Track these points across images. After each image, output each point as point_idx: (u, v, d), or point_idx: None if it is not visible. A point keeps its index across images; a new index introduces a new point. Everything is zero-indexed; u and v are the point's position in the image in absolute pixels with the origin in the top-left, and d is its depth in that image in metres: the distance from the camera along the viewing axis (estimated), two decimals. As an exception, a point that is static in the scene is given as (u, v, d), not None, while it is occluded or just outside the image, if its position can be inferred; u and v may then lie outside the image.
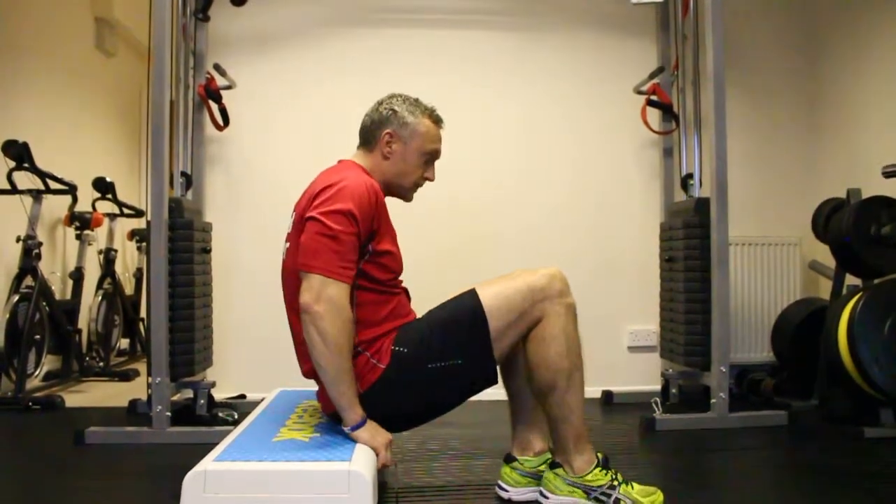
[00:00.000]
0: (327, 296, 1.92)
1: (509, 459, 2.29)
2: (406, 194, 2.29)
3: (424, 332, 2.10)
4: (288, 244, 2.14)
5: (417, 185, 2.28)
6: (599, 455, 2.14)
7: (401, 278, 2.22)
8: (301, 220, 2.05)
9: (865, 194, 3.37)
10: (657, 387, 3.95)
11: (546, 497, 2.14)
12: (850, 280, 3.52)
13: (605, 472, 2.11)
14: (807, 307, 3.87)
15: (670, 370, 3.81)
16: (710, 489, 2.31)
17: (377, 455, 1.93)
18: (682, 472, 2.60)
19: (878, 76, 3.90)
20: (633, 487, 2.10)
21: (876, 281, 3.30)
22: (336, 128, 4.00)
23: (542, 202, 4.17)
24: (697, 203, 3.57)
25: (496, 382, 2.15)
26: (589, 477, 2.10)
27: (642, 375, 4.11)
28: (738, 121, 3.98)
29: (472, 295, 2.13)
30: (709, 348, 3.41)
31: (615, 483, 2.10)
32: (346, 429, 1.97)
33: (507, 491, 2.26)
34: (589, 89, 4.23)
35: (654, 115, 4.04)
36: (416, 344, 2.08)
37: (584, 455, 2.12)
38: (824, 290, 4.02)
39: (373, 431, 1.97)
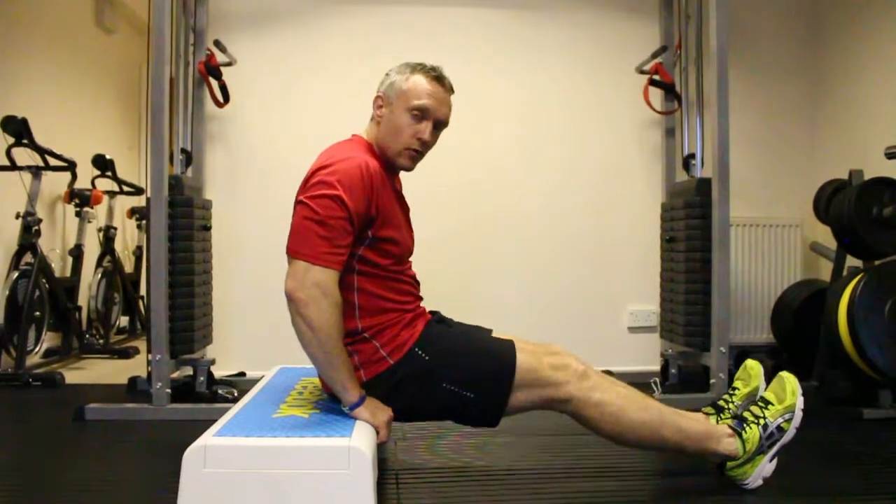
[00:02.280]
0: (312, 281, 1.86)
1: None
2: (397, 159, 2.09)
3: (453, 350, 2.06)
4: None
5: (411, 147, 2.08)
6: (729, 424, 2.14)
7: (411, 260, 2.18)
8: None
9: (867, 176, 3.36)
10: (657, 367, 3.96)
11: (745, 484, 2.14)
12: (851, 262, 3.52)
13: (749, 426, 2.11)
14: (807, 289, 3.87)
15: (670, 350, 3.82)
16: (707, 469, 2.31)
17: (377, 432, 1.92)
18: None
19: (882, 58, 3.88)
20: (769, 409, 2.12)
21: (877, 262, 3.30)
22: (337, 105, 4.00)
23: (543, 182, 4.15)
24: (699, 183, 3.56)
25: (495, 427, 2.12)
26: (748, 446, 2.09)
27: (642, 356, 4.12)
28: (741, 101, 3.97)
29: (511, 345, 2.07)
30: (709, 329, 3.41)
31: (765, 420, 2.11)
32: (345, 409, 1.96)
33: None
34: (590, 68, 4.20)
35: (656, 94, 4.01)
36: (439, 357, 2.03)
37: (721, 442, 2.11)
38: (825, 271, 4.02)
39: (373, 409, 1.96)
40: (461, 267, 4.02)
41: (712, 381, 3.32)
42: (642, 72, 4.01)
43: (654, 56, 3.97)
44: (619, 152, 4.20)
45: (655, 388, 3.55)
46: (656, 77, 3.94)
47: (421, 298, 2.19)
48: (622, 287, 4.20)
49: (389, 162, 2.13)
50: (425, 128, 2.08)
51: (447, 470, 2.40)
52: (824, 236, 3.90)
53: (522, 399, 2.05)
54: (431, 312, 2.22)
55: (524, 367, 2.03)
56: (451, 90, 2.13)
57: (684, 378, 3.76)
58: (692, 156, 3.79)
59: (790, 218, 4.20)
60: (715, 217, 3.36)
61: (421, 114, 2.07)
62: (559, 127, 4.18)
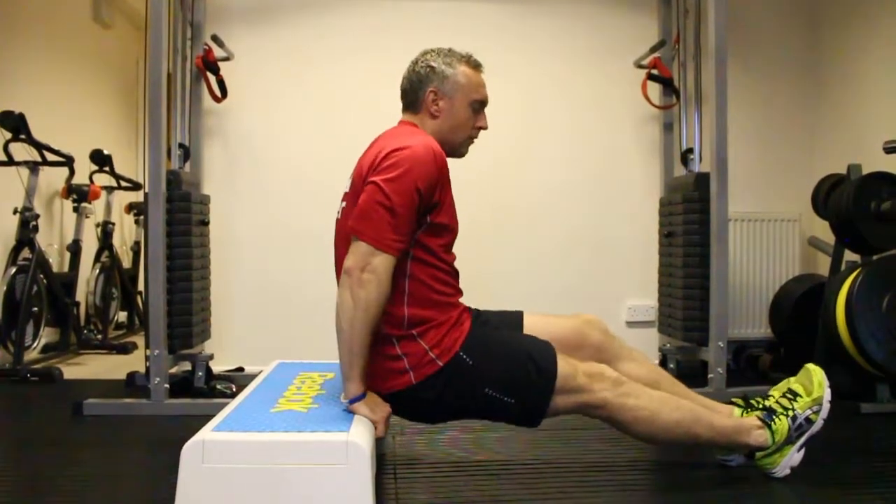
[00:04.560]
0: (372, 265, 1.89)
1: None
2: (460, 149, 2.22)
3: (496, 355, 2.07)
4: (344, 203, 2.11)
5: (472, 137, 2.23)
6: (758, 415, 2.19)
7: (454, 253, 2.19)
8: (362, 181, 2.00)
9: (866, 170, 3.35)
10: (655, 362, 3.94)
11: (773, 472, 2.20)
12: (850, 256, 3.52)
13: (778, 417, 2.18)
14: (805, 283, 3.87)
15: (668, 345, 3.83)
16: (704, 464, 2.32)
17: (375, 427, 1.92)
18: (672, 447, 2.59)
19: (880, 52, 3.88)
20: (797, 401, 2.20)
21: (875, 257, 3.30)
22: (335, 99, 4.00)
23: (541, 178, 4.15)
24: (697, 178, 3.56)
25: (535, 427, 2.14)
26: (777, 437, 2.16)
27: (640, 350, 4.10)
28: (739, 96, 3.96)
29: (552, 353, 2.08)
30: (707, 324, 3.41)
31: (794, 412, 2.18)
32: (344, 400, 1.96)
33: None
34: (588, 63, 4.19)
35: (654, 89, 4.01)
36: (483, 362, 2.04)
37: (751, 434, 2.16)
38: (823, 266, 4.02)
39: (372, 405, 1.95)
40: (458, 264, 4.01)
41: (711, 375, 3.32)
42: (640, 66, 4.00)
43: (653, 50, 3.97)
44: (618, 147, 4.20)
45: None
46: (654, 72, 3.94)
47: (461, 292, 2.21)
48: (620, 282, 4.20)
49: (447, 152, 2.15)
50: (483, 117, 2.22)
51: (445, 464, 2.41)
52: (823, 231, 3.90)
53: (559, 404, 2.07)
54: (469, 309, 2.22)
55: (562, 374, 2.05)
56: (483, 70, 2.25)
57: (682, 372, 3.76)
58: (690, 150, 3.79)
59: (788, 212, 4.19)
60: (713, 212, 3.36)
61: (480, 106, 2.20)
62: (557, 122, 4.17)
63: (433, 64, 2.16)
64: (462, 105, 2.16)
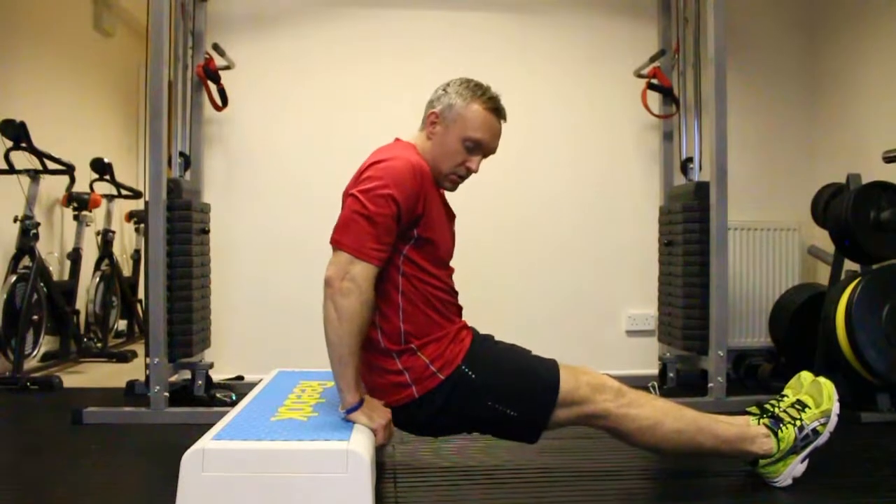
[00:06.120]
0: (352, 274, 1.89)
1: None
2: (443, 181, 2.16)
3: (498, 368, 2.08)
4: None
5: (458, 174, 2.15)
6: (766, 423, 2.18)
7: (453, 266, 2.20)
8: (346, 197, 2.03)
9: (865, 179, 3.36)
10: (655, 371, 3.96)
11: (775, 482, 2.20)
12: (849, 265, 3.52)
13: (785, 426, 2.17)
14: (805, 292, 3.87)
15: (668, 354, 3.82)
16: (703, 474, 2.32)
17: (375, 435, 1.92)
18: (676, 456, 2.59)
19: (880, 61, 3.89)
20: (806, 412, 2.19)
21: (874, 266, 3.30)
22: (335, 109, 4.01)
23: (541, 187, 4.15)
24: (697, 187, 3.56)
25: (534, 443, 2.15)
26: (783, 445, 2.15)
27: (640, 359, 4.11)
28: (739, 105, 3.96)
29: (554, 365, 2.11)
30: (707, 332, 3.41)
31: (801, 422, 2.17)
32: (341, 411, 1.95)
33: None
34: (588, 72, 4.20)
35: (654, 98, 4.02)
36: (485, 374, 2.06)
37: (756, 442, 2.16)
38: (823, 275, 4.02)
39: (369, 413, 1.95)
40: (458, 273, 4.01)
41: (710, 384, 3.32)
42: (640, 76, 4.01)
43: (652, 60, 3.98)
44: (618, 156, 4.20)
45: (654, 392, 3.55)
46: (654, 81, 3.94)
47: (461, 308, 2.21)
48: (620, 291, 4.19)
49: (436, 180, 2.15)
50: (475, 160, 2.15)
51: (446, 471, 2.40)
52: (822, 240, 3.90)
53: (562, 416, 2.09)
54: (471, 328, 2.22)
55: (564, 386, 2.07)
56: (505, 119, 2.20)
57: (682, 381, 3.76)
58: (690, 159, 3.80)
59: (788, 222, 4.20)
60: (713, 221, 3.36)
61: (474, 146, 2.13)
62: (557, 131, 4.18)
63: (449, 89, 2.14)
64: (455, 137, 2.11)
